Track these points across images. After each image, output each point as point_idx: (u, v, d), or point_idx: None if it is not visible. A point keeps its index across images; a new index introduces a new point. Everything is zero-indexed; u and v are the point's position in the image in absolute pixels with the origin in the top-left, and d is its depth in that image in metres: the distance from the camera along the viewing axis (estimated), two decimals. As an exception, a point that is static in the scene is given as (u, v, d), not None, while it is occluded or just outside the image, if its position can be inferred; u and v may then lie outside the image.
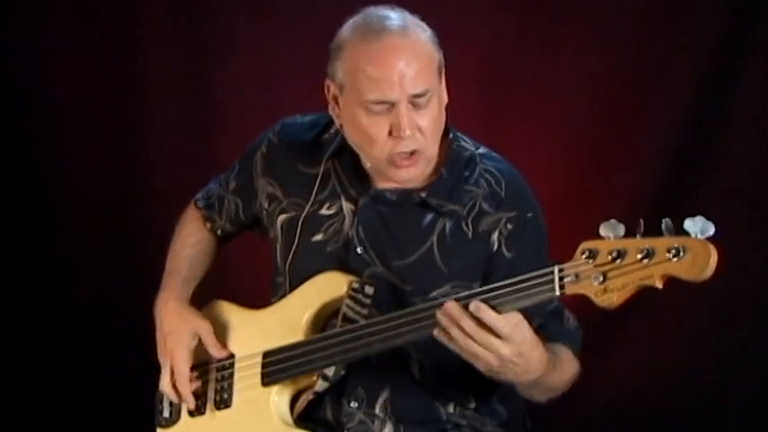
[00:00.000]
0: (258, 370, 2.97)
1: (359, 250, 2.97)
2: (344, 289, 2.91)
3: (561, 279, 2.58)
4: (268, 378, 2.96)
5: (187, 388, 3.04)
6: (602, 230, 2.55)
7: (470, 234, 2.94)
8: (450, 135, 3.00)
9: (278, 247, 3.09)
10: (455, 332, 2.66)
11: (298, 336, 2.94)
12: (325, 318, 2.96)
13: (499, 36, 4.46)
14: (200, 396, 3.07)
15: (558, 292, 2.59)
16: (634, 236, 2.52)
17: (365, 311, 2.87)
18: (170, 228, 3.30)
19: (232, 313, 3.11)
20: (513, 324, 2.65)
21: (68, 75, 4.62)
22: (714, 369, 4.30)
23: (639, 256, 2.49)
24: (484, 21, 4.45)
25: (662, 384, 4.34)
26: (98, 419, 4.64)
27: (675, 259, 2.46)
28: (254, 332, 3.03)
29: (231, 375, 3.03)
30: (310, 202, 3.03)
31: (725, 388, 4.28)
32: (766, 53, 4.25)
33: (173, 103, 4.63)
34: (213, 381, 3.06)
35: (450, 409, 2.98)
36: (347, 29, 2.91)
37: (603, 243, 2.54)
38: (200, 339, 3.06)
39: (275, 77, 4.55)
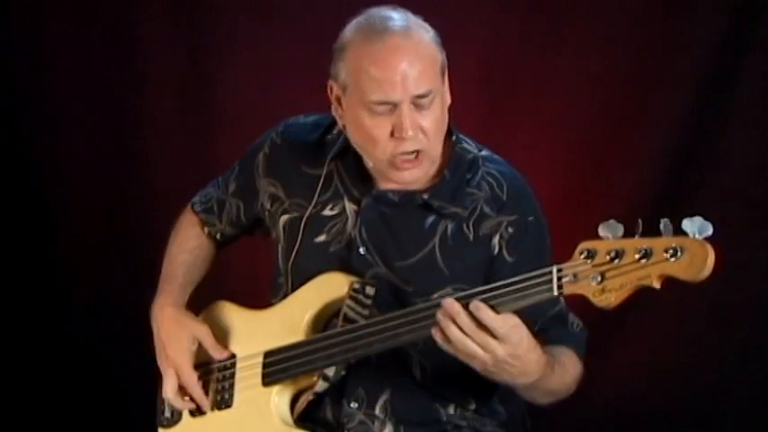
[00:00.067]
0: (259, 370, 2.97)
1: (361, 251, 2.97)
2: (345, 289, 2.91)
3: (559, 279, 2.58)
4: (269, 378, 2.96)
5: (200, 392, 3.04)
6: (601, 231, 2.55)
7: (471, 237, 2.94)
8: (453, 137, 3.00)
9: (280, 247, 3.09)
10: (453, 331, 2.65)
11: (298, 336, 2.94)
12: (327, 318, 2.96)
13: (499, 36, 4.46)
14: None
15: (556, 292, 2.59)
16: (633, 236, 2.52)
17: (366, 312, 2.87)
18: (170, 228, 3.30)
19: (234, 314, 3.11)
20: (510, 325, 2.64)
21: (68, 75, 4.62)
22: (713, 369, 4.30)
23: (637, 257, 2.49)
24: (484, 21, 4.45)
25: (661, 384, 4.35)
26: (98, 419, 4.64)
27: (673, 259, 2.46)
28: (256, 332, 3.03)
29: (232, 375, 3.03)
30: (313, 203, 3.03)
31: (724, 388, 4.28)
32: (766, 53, 4.25)
33: (173, 103, 4.64)
34: (214, 381, 3.06)
35: (451, 410, 2.98)
36: (350, 29, 2.91)
37: (602, 243, 2.54)
38: (199, 343, 3.06)
39: (275, 77, 4.55)
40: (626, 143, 4.40)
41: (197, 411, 3.07)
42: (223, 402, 3.03)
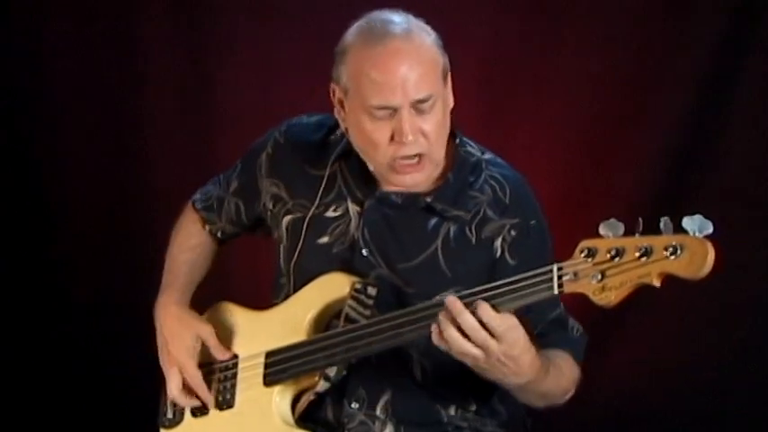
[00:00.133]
0: (261, 370, 2.98)
1: (364, 252, 2.97)
2: (347, 289, 2.91)
3: (560, 277, 2.59)
4: (270, 378, 2.96)
5: (205, 390, 3.04)
6: (602, 229, 2.55)
7: (474, 240, 2.94)
8: (457, 140, 3.00)
9: (282, 248, 3.08)
10: (450, 330, 2.66)
11: (300, 336, 2.94)
12: (328, 318, 2.96)
13: (499, 36, 4.46)
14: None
15: (556, 291, 2.59)
16: (633, 235, 2.52)
17: (368, 312, 2.87)
18: (170, 228, 3.30)
19: (236, 314, 3.11)
20: (508, 325, 2.65)
21: (68, 75, 4.62)
22: (714, 368, 4.30)
23: (637, 255, 2.50)
24: (484, 21, 4.45)
25: (661, 383, 4.35)
26: (98, 419, 4.64)
27: (673, 257, 2.46)
28: (258, 332, 3.03)
29: (234, 376, 3.03)
30: (316, 204, 3.03)
31: (725, 387, 4.28)
32: (766, 53, 4.26)
33: (173, 103, 4.64)
34: (216, 381, 3.06)
35: (452, 411, 2.98)
36: (351, 33, 2.91)
37: (602, 241, 2.55)
38: (202, 342, 3.06)
39: (275, 77, 4.55)
40: (626, 143, 4.41)
41: (199, 412, 3.07)
42: (225, 403, 3.03)
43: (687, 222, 2.45)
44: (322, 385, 2.92)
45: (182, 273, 3.18)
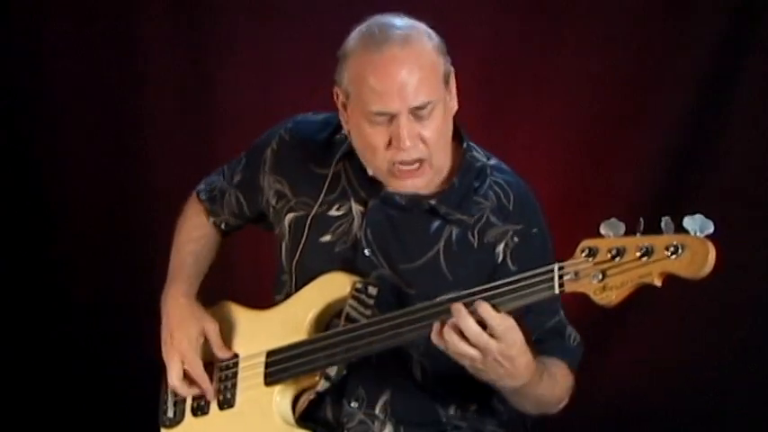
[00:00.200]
0: (261, 370, 2.98)
1: (366, 252, 2.97)
2: (348, 289, 2.91)
3: (561, 277, 2.59)
4: (271, 378, 2.96)
5: (206, 380, 3.04)
6: (603, 229, 2.55)
7: (476, 244, 2.94)
8: (464, 144, 3.00)
9: (284, 245, 3.08)
10: (452, 334, 2.66)
11: (301, 335, 2.94)
12: (329, 318, 2.96)
13: (499, 36, 4.46)
14: (204, 396, 3.07)
15: (557, 290, 2.59)
16: (634, 234, 2.52)
17: (368, 312, 2.87)
18: (170, 228, 3.29)
19: (238, 314, 3.11)
20: (507, 326, 2.65)
21: (68, 75, 4.62)
22: (714, 367, 4.30)
23: (638, 254, 2.50)
24: (484, 21, 4.45)
25: (662, 382, 4.35)
26: (98, 419, 4.64)
27: (674, 257, 2.46)
28: (259, 332, 3.04)
29: (235, 375, 3.03)
30: (319, 202, 3.03)
31: (725, 386, 4.28)
32: (766, 53, 4.26)
33: (173, 103, 4.64)
34: (217, 380, 3.06)
35: (451, 411, 2.98)
36: (353, 37, 2.91)
37: (603, 241, 2.55)
38: (205, 338, 3.06)
39: (275, 77, 4.55)
40: (626, 143, 4.41)
41: (199, 411, 3.07)
42: (225, 402, 3.03)
43: (688, 222, 2.45)
44: (322, 385, 2.92)
45: (188, 264, 3.18)
